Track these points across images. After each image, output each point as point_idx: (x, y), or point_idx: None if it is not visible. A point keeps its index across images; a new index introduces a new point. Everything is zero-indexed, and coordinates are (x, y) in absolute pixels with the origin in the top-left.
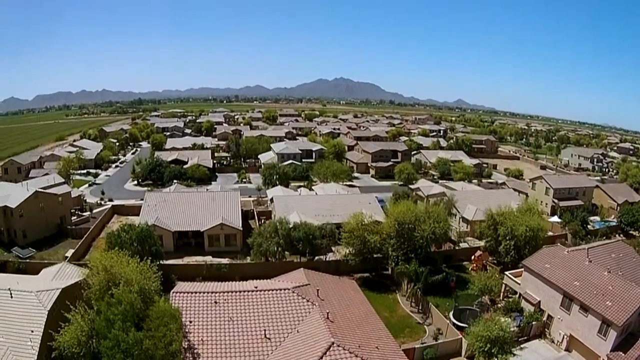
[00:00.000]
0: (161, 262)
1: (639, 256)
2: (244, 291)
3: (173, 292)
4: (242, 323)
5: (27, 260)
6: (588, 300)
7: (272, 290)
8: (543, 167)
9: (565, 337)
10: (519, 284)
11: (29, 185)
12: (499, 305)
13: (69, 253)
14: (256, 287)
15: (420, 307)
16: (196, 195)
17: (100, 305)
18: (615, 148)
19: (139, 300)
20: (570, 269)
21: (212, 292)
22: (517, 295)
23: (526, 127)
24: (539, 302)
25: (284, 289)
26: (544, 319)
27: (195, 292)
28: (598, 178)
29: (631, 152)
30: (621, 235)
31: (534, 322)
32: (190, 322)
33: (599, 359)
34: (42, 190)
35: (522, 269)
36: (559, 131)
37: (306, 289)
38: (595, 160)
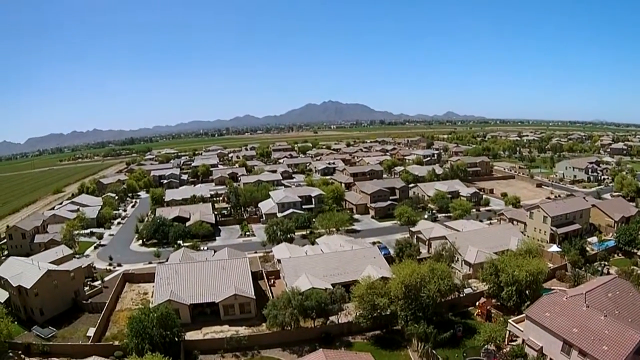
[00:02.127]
0: (183, 339)
1: (635, 291)
2: None
3: None
4: None
5: (51, 343)
6: (586, 347)
7: None
8: (539, 185)
9: None
10: (522, 330)
11: (39, 259)
12: (505, 350)
13: (91, 332)
14: None
15: None
16: (207, 265)
17: None
18: (609, 150)
19: None
20: (569, 316)
21: None
22: (521, 341)
23: (518, 138)
24: (541, 347)
25: None
26: None
27: None
28: (594, 189)
29: (625, 152)
30: (620, 255)
31: None
32: None
33: None
34: (54, 268)
35: (524, 315)
36: (551, 139)
37: None
38: (589, 170)
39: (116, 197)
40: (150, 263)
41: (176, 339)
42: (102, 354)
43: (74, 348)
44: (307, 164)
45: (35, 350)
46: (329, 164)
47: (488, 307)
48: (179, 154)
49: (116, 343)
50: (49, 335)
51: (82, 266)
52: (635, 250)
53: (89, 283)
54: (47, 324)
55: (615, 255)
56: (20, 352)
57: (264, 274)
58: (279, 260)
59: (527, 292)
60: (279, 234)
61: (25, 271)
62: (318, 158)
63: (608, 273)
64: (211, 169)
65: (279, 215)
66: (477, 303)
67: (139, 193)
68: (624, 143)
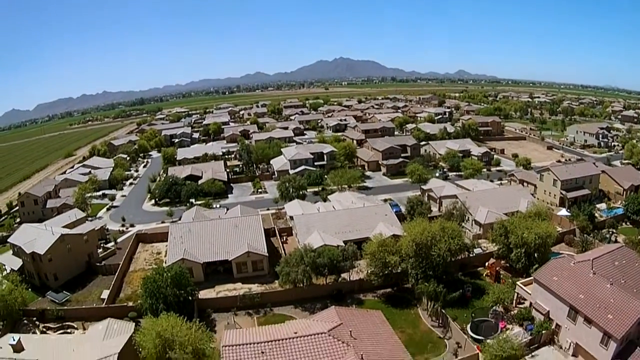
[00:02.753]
0: (197, 297)
1: None
2: (286, 339)
3: (223, 347)
4: None
5: (65, 307)
6: (591, 314)
7: (310, 335)
8: (550, 148)
9: (572, 344)
10: (530, 293)
11: (52, 225)
12: (512, 312)
13: (105, 294)
14: (296, 333)
15: (440, 322)
16: (219, 223)
17: None
18: (620, 117)
19: None
20: (576, 282)
21: (258, 343)
22: (529, 304)
23: (530, 100)
24: (548, 311)
25: (321, 333)
26: (553, 327)
27: (243, 345)
28: (604, 156)
29: (635, 119)
30: (628, 223)
31: (543, 331)
32: None
33: None
34: (67, 232)
35: (532, 279)
36: (563, 101)
37: (340, 330)
38: (600, 136)
39: (128, 158)
40: (163, 222)
41: (190, 298)
42: (116, 315)
43: (88, 311)
44: (319, 121)
45: (49, 315)
46: (341, 120)
47: (497, 268)
48: (190, 112)
49: (130, 304)
50: (63, 300)
51: (95, 228)
52: None
53: (102, 245)
54: (61, 288)
55: (624, 224)
56: (34, 318)
57: (277, 231)
58: (291, 217)
59: (535, 255)
60: (291, 190)
61: (39, 237)
62: (329, 115)
63: (616, 241)
64: (222, 126)
65: (291, 172)
66: (487, 264)
67: (150, 153)
68: (635, 111)
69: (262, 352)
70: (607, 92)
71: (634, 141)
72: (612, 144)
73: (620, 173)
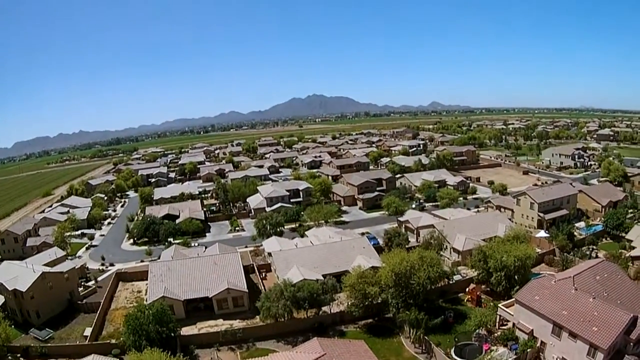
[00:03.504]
0: (179, 334)
1: (623, 273)
2: None
3: None
4: None
5: (49, 345)
6: (576, 328)
7: None
8: (525, 172)
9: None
10: (512, 314)
11: (33, 262)
12: (496, 334)
13: (87, 332)
14: None
15: (424, 348)
16: (199, 261)
17: None
18: (595, 136)
19: None
20: (558, 299)
21: None
22: (512, 325)
23: (504, 127)
24: (532, 330)
25: None
26: (538, 344)
27: None
28: (581, 175)
29: (611, 137)
30: (608, 239)
31: (528, 350)
32: None
33: None
34: (48, 271)
35: (514, 300)
36: (537, 126)
37: None
38: (576, 156)
39: (105, 198)
40: (142, 261)
41: (172, 334)
42: (99, 352)
43: (72, 348)
44: (294, 158)
45: (33, 352)
46: (315, 157)
47: (478, 293)
48: (166, 152)
49: (113, 341)
50: (47, 337)
51: (76, 267)
52: (623, 234)
53: (82, 284)
54: (44, 325)
55: (604, 240)
56: (19, 355)
57: (255, 268)
58: (269, 254)
59: (515, 277)
60: (268, 227)
61: (20, 275)
62: (304, 152)
63: (597, 257)
64: (198, 166)
65: (268, 209)
66: (467, 289)
67: (127, 193)
68: (611, 129)
69: None
70: (582, 113)
71: (611, 158)
72: (589, 163)
73: (597, 191)
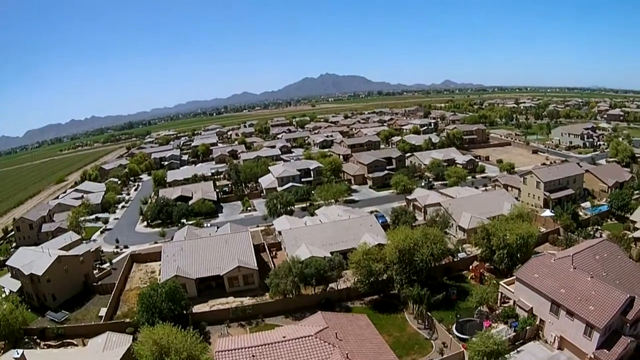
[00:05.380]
0: (191, 311)
1: (623, 254)
2: (275, 342)
3: (217, 352)
4: None
5: (65, 325)
6: (573, 307)
7: (298, 338)
8: (535, 152)
9: (556, 338)
10: (513, 292)
11: (48, 247)
12: (497, 311)
13: (102, 312)
14: (284, 337)
15: (426, 324)
16: (210, 240)
17: None
18: (605, 116)
19: None
20: (557, 277)
21: (249, 347)
22: (512, 302)
23: (515, 105)
24: (531, 308)
25: (308, 336)
26: (537, 322)
27: (235, 349)
28: (590, 155)
29: (621, 118)
30: (613, 219)
31: (528, 327)
32: None
33: (586, 356)
34: (64, 254)
35: (515, 277)
36: (548, 105)
37: (326, 332)
38: (585, 136)
39: (119, 182)
40: (155, 243)
41: (184, 312)
42: (114, 331)
43: (87, 328)
44: (306, 138)
45: (50, 333)
46: (327, 136)
47: (481, 270)
48: (179, 134)
49: (127, 320)
50: (63, 319)
51: (90, 250)
52: (628, 215)
53: (97, 266)
54: (60, 308)
55: (609, 220)
56: (35, 337)
57: (266, 246)
58: (279, 232)
59: (518, 255)
60: (279, 207)
61: (36, 259)
62: (316, 131)
63: (601, 237)
64: (211, 147)
65: (279, 189)
66: (470, 267)
67: (141, 176)
68: (621, 109)
69: (253, 356)
70: (593, 93)
71: (619, 139)
72: (598, 143)
73: (604, 171)
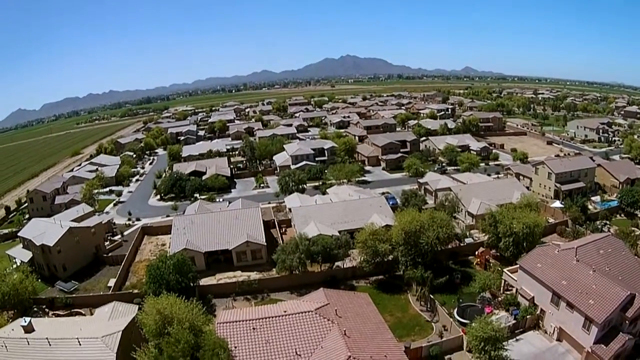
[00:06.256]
0: (198, 284)
1: (628, 250)
2: (276, 316)
3: (218, 323)
4: (276, 344)
5: (74, 295)
6: (573, 299)
7: (298, 313)
8: (549, 143)
9: (555, 329)
10: (516, 280)
11: (61, 219)
12: (500, 298)
13: (111, 282)
14: (285, 312)
15: (428, 306)
16: (221, 215)
17: (162, 344)
18: (623, 112)
19: (191, 335)
20: (559, 268)
21: (249, 320)
22: (514, 290)
23: (534, 96)
24: (533, 297)
25: (308, 312)
26: (538, 312)
27: (236, 321)
28: (604, 150)
29: (638, 115)
30: (622, 215)
31: (528, 316)
32: (235, 347)
33: (584, 350)
34: (76, 226)
35: (518, 266)
36: (566, 98)
37: (326, 309)
38: (600, 131)
39: (134, 156)
40: (167, 216)
41: (192, 284)
42: (122, 301)
43: (95, 298)
44: (323, 118)
45: (58, 303)
46: (344, 117)
47: (487, 257)
48: (196, 110)
49: (135, 291)
50: (72, 289)
51: (102, 222)
52: (637, 212)
53: (109, 238)
54: (70, 278)
55: (618, 216)
56: (44, 306)
57: (276, 223)
58: (290, 209)
59: (524, 244)
60: (291, 184)
61: (48, 230)
62: (334, 112)
63: (608, 231)
64: (228, 124)
65: (293, 167)
66: (476, 252)
67: (156, 150)
68: (639, 107)
69: (254, 329)
70: (612, 89)
71: (635, 136)
72: (613, 138)
73: (617, 167)
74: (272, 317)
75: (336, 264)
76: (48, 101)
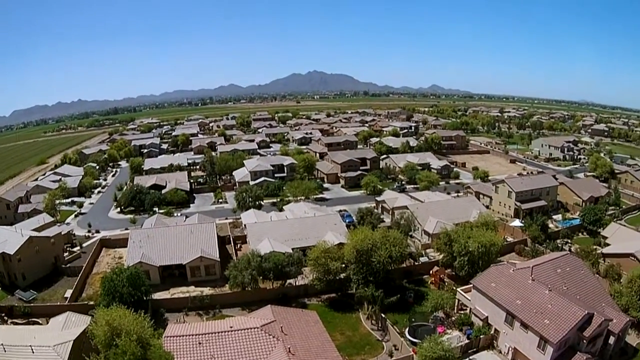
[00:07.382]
0: (151, 298)
1: (587, 268)
2: (222, 332)
3: (165, 337)
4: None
5: (32, 305)
6: (527, 319)
7: (244, 329)
8: (513, 161)
9: (510, 349)
10: (469, 299)
11: (22, 227)
12: (453, 318)
13: (68, 293)
14: (231, 327)
15: (379, 325)
16: (176, 229)
17: (110, 355)
18: (590, 131)
19: (139, 348)
20: (514, 288)
21: (196, 335)
22: (468, 310)
23: (499, 114)
24: (487, 317)
25: (254, 328)
26: (492, 332)
27: (183, 336)
28: (568, 168)
29: (606, 133)
30: (584, 234)
31: (482, 336)
32: None
33: None
34: (36, 235)
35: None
36: (533, 116)
37: (272, 326)
38: (565, 149)
39: (97, 167)
40: (126, 229)
41: (145, 298)
42: (77, 312)
43: (52, 308)
44: (285, 134)
45: (17, 311)
46: (307, 133)
47: (441, 276)
48: (161, 123)
49: (91, 302)
50: (30, 298)
51: (62, 233)
52: (599, 230)
53: (68, 249)
54: (29, 287)
55: (580, 234)
56: (3, 314)
57: (232, 239)
58: (246, 226)
59: (480, 263)
60: (248, 200)
61: (9, 238)
62: (297, 128)
63: (570, 250)
64: (191, 138)
65: (251, 183)
66: (431, 271)
67: (119, 163)
68: (606, 125)
69: (200, 343)
70: (580, 107)
71: (600, 154)
72: (578, 157)
73: (580, 185)
74: (219, 333)
75: (288, 281)
76: (18, 108)
